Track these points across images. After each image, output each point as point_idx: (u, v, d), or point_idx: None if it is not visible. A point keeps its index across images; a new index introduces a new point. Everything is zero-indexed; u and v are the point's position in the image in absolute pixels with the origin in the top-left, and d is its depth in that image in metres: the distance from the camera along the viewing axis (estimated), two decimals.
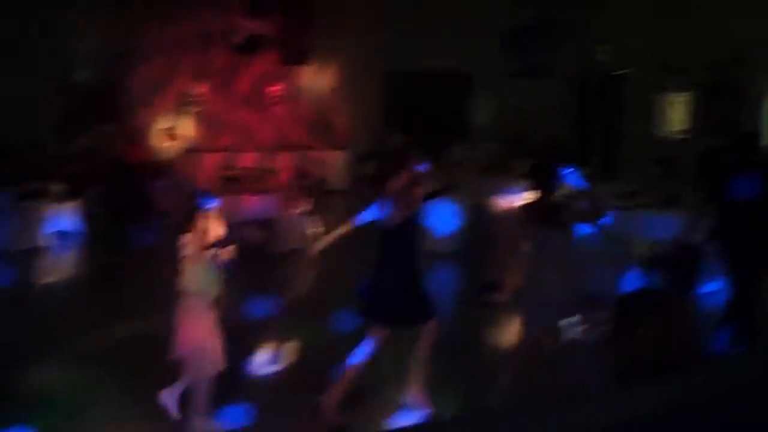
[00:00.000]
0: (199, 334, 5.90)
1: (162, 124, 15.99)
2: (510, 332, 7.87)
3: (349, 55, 18.39)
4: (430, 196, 11.92)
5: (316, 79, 18.42)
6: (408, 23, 18.47)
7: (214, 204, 5.87)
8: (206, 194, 5.98)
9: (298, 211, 12.04)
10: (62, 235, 12.28)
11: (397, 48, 18.49)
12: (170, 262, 6.15)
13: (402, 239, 6.24)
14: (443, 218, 11.77)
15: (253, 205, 11.83)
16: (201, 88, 18.09)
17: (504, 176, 13.62)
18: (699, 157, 12.51)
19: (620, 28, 16.97)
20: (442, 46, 18.71)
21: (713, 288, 8.66)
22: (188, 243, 5.87)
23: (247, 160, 15.16)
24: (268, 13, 17.43)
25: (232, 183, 12.33)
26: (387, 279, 6.22)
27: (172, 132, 14.31)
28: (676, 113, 16.33)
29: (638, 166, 14.09)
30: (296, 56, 18.32)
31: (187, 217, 5.85)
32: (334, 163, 17.58)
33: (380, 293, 6.23)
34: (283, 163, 14.86)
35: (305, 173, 13.36)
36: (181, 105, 17.92)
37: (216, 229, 5.99)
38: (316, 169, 15.39)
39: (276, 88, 18.39)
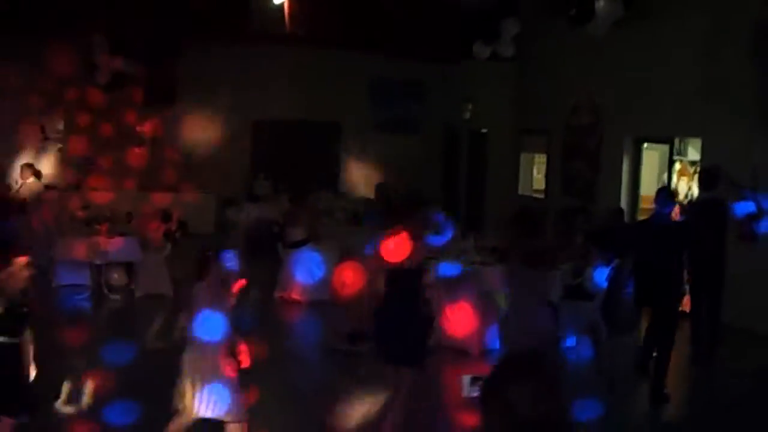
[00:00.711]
0: None
1: (22, 160, 15.47)
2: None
3: (217, 100, 18.32)
4: (297, 244, 12.03)
5: (183, 121, 18.22)
6: (278, 73, 18.62)
7: None
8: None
9: (161, 254, 11.89)
10: None
11: (266, 97, 18.59)
12: None
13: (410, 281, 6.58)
14: (309, 267, 11.81)
15: (115, 247, 11.54)
16: (63, 125, 17.63)
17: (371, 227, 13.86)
18: (557, 217, 13.06)
19: (484, 87, 17.60)
20: (312, 97, 18.96)
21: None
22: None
23: (109, 200, 14.78)
24: (134, 52, 17.17)
25: (92, 223, 12.00)
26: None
27: (32, 169, 13.86)
28: (536, 172, 17.04)
29: (500, 223, 14.54)
30: (162, 97, 18.09)
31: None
32: (200, 206, 17.35)
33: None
34: (149, 205, 14.58)
35: (169, 216, 13.20)
36: (43, 142, 17.40)
37: None
38: (180, 212, 15.16)
39: (141, 128, 18.08)
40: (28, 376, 5.46)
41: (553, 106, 15.45)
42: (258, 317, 9.94)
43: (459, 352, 9.45)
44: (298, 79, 18.86)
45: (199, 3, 15.83)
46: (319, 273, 11.67)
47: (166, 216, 12.99)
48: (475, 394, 2.63)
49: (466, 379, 2.52)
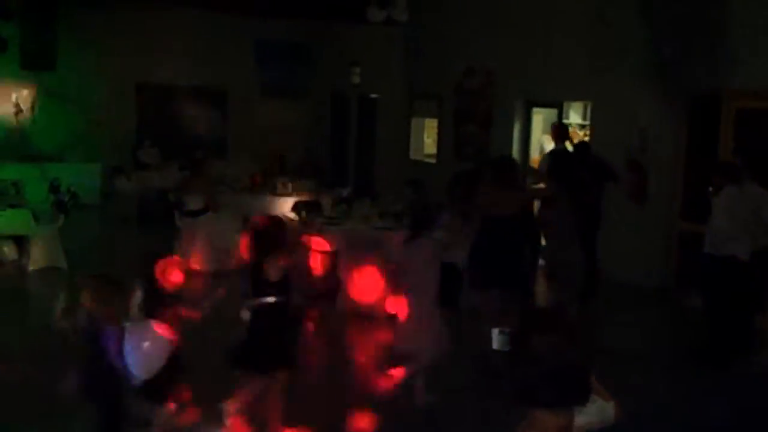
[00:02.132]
0: None
1: None
2: None
3: (98, 65, 17.74)
4: (195, 213, 11.83)
5: (65, 86, 17.55)
6: (163, 36, 18.17)
7: None
8: None
9: (52, 226, 11.50)
10: None
11: (150, 60, 18.13)
12: None
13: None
14: (209, 235, 11.65)
15: (5, 219, 11.09)
16: None
17: (265, 193, 13.76)
18: (450, 180, 13.27)
19: (373, 52, 17.63)
20: (197, 61, 18.60)
21: None
22: None
23: None
24: (10, 14, 16.40)
25: None
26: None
27: None
28: (427, 137, 17.21)
29: (391, 188, 14.68)
30: (41, 61, 17.39)
31: None
32: (85, 175, 16.79)
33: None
34: (33, 175, 14.06)
35: (58, 187, 12.75)
36: None
37: None
38: (67, 183, 14.68)
39: (21, 94, 17.33)
40: None
41: (445, 71, 15.60)
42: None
43: (365, 317, 9.56)
44: (183, 42, 18.44)
45: None
46: (220, 241, 11.53)
47: (54, 186, 12.57)
48: (505, 348, 2.77)
49: (495, 332, 2.59)
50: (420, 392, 6.94)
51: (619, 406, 2.85)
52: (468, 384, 7.44)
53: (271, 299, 5.76)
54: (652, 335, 9.67)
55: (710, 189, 8.74)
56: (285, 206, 12.12)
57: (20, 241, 11.37)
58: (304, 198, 12.40)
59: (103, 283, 5.16)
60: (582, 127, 13.58)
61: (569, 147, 11.71)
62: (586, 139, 12.82)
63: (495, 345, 2.88)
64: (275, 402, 6.07)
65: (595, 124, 12.75)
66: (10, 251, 11.45)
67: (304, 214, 10.60)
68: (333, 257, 9.81)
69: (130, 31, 17.76)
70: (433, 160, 16.47)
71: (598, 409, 2.75)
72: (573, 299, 9.26)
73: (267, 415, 6.09)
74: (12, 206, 11.41)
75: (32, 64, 17.25)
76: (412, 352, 6.80)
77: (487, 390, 6.84)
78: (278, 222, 6.27)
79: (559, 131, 11.89)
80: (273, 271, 5.81)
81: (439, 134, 16.35)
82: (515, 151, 13.92)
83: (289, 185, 13.80)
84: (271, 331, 5.79)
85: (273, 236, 5.92)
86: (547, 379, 2.41)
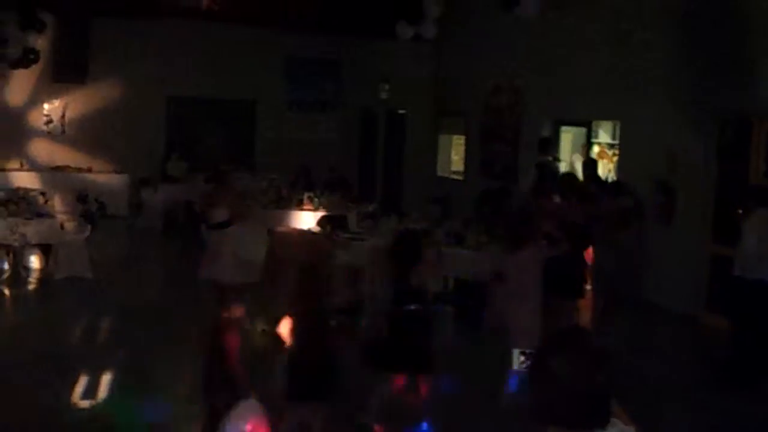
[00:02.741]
0: None
1: None
2: None
3: (129, 78, 17.87)
4: (221, 225, 11.84)
5: (95, 98, 17.71)
6: (193, 49, 18.27)
7: None
8: None
9: (79, 236, 11.56)
10: None
11: (181, 74, 18.24)
12: None
13: None
14: (234, 247, 11.63)
15: (33, 229, 11.16)
16: None
17: (291, 207, 13.78)
18: (478, 198, 13.23)
19: (402, 68, 17.64)
20: (227, 75, 18.67)
21: None
22: None
23: (21, 180, 14.27)
24: (43, 27, 16.60)
25: (7, 204, 11.59)
26: None
27: None
28: (455, 154, 17.19)
29: (417, 204, 14.64)
30: (73, 73, 17.55)
31: None
32: (113, 186, 16.92)
33: None
34: (62, 185, 14.16)
35: (85, 197, 12.85)
36: None
37: None
38: (96, 193, 14.80)
39: (52, 105, 17.52)
40: None
41: (473, 88, 15.59)
42: None
43: None
44: (214, 55, 18.52)
45: None
46: (246, 254, 11.51)
47: (82, 196, 12.66)
48: (525, 368, 2.78)
49: (515, 352, 2.56)
50: None
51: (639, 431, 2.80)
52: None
53: (413, 306, 6.16)
54: (678, 358, 9.53)
55: (740, 212, 8.63)
56: (311, 220, 12.13)
57: (47, 250, 11.43)
58: (330, 213, 12.42)
59: None
60: (611, 146, 13.47)
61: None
62: (615, 159, 12.76)
63: (515, 365, 2.85)
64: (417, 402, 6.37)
65: (623, 143, 12.65)
66: (36, 260, 11.52)
67: (329, 228, 10.63)
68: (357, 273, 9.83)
69: (161, 45, 17.89)
70: (460, 177, 16.43)
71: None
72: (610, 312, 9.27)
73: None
74: (40, 215, 11.49)
75: (63, 76, 17.42)
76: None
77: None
78: (418, 234, 7.01)
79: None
80: (415, 279, 6.21)
81: (466, 151, 16.31)
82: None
83: (316, 200, 13.80)
84: (413, 335, 6.16)
85: (415, 247, 6.37)
86: (567, 399, 2.39)
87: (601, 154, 13.50)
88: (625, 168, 11.69)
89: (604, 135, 14.66)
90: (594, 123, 13.72)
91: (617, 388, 2.53)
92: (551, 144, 12.81)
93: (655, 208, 11.29)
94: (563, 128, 14.25)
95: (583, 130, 13.80)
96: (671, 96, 11.29)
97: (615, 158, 12.93)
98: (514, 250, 7.11)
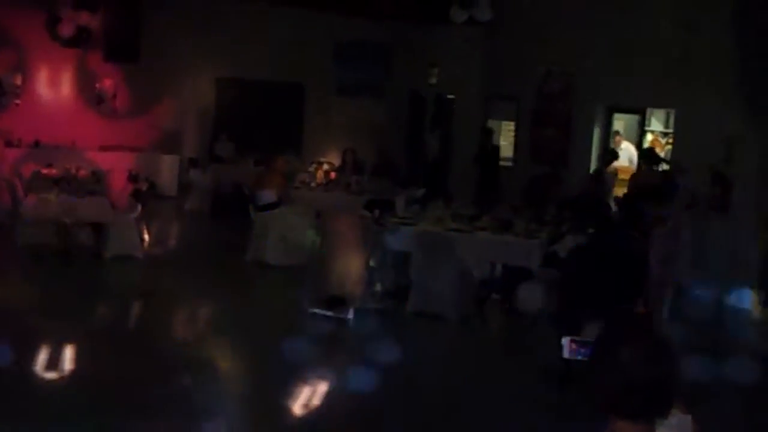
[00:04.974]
0: None
1: None
2: None
3: (179, 58, 17.93)
4: (268, 207, 11.87)
5: (146, 77, 17.80)
6: (243, 31, 18.28)
7: None
8: None
9: (130, 215, 11.65)
10: None
11: (230, 55, 18.27)
12: None
13: None
14: (282, 230, 11.68)
15: (85, 207, 11.26)
16: (21, 79, 17.14)
17: (338, 190, 13.76)
18: (528, 184, 13.10)
19: (452, 53, 17.48)
20: (276, 57, 18.66)
21: None
22: None
23: (75, 159, 14.41)
24: (95, 6, 16.74)
25: (61, 182, 11.71)
26: None
27: None
28: (504, 140, 17.01)
29: (465, 190, 14.54)
30: (124, 53, 17.67)
31: None
32: (162, 166, 17.05)
33: None
34: (113, 164, 14.27)
35: (136, 177, 12.95)
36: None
37: None
38: (147, 173, 14.90)
39: (104, 85, 17.68)
40: None
41: (524, 73, 15.39)
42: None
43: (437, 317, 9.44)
44: (263, 38, 18.51)
45: None
46: (293, 236, 11.55)
47: (133, 176, 12.76)
48: (579, 357, 2.68)
49: (565, 340, 2.49)
50: None
51: (695, 422, 2.74)
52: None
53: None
54: (731, 350, 9.33)
55: None
56: (358, 204, 12.09)
57: (98, 229, 11.53)
58: (377, 197, 12.36)
59: None
60: (664, 134, 13.25)
61: None
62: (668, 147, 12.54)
63: (566, 354, 2.76)
64: None
65: (678, 132, 12.41)
66: (87, 238, 11.63)
67: (377, 212, 10.56)
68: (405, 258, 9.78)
69: (212, 25, 17.91)
70: (509, 163, 16.26)
71: (678, 421, 2.64)
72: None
73: None
74: (91, 194, 11.59)
75: (115, 55, 17.54)
76: None
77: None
78: None
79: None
80: None
81: (516, 137, 16.14)
82: (594, 158, 13.66)
83: (363, 183, 13.77)
84: None
85: None
86: (632, 389, 2.34)
87: (654, 142, 13.28)
88: (679, 156, 11.45)
89: (656, 123, 14.43)
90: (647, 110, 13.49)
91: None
92: (656, 155, 12.27)
93: (710, 198, 11.08)
94: (616, 115, 14.04)
95: (635, 117, 13.58)
96: (732, 86, 11.03)
97: (667, 146, 12.70)
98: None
